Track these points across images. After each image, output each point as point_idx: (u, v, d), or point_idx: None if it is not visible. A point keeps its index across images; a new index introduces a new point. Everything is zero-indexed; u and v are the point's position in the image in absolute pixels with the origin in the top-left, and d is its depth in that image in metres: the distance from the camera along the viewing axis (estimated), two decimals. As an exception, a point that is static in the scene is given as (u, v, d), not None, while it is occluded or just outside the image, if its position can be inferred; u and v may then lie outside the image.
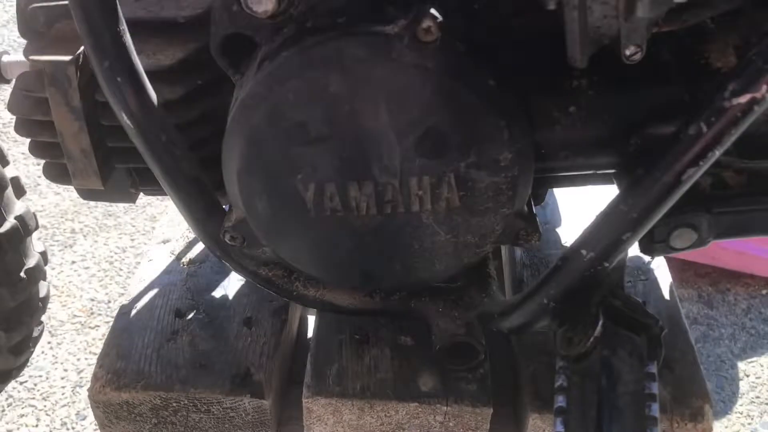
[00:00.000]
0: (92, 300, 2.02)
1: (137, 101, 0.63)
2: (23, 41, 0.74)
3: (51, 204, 2.27)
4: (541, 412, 0.74)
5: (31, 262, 0.93)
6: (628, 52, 0.60)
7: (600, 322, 0.62)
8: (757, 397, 1.82)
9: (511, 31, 0.63)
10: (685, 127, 0.56)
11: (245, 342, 0.82)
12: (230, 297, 0.88)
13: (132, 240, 2.15)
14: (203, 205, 0.70)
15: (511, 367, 0.85)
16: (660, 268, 0.93)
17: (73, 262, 2.11)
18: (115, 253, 2.14)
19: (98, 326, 1.92)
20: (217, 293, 0.88)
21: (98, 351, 1.92)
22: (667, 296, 0.89)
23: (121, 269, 2.07)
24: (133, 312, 0.86)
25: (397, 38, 0.57)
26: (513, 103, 0.62)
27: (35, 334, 1.01)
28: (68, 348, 1.90)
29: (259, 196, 0.65)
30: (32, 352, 1.06)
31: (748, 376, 1.87)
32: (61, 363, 1.85)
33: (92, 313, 1.96)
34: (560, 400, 0.61)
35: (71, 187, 0.78)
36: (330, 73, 0.58)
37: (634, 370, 0.59)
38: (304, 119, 0.60)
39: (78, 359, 1.86)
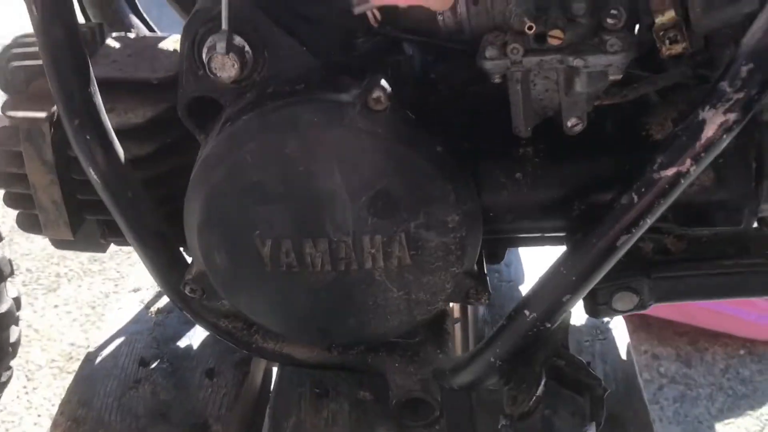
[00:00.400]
0: (72, 344, 2.02)
1: (105, 158, 0.66)
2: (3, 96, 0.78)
3: (38, 248, 2.28)
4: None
5: (3, 308, 0.94)
6: (569, 124, 0.63)
7: (543, 382, 0.64)
8: (734, 461, 1.81)
9: (463, 100, 0.67)
10: (619, 196, 0.59)
11: (206, 393, 0.84)
12: (195, 347, 0.90)
13: (116, 285, 2.16)
14: (166, 258, 0.72)
15: (470, 422, 0.87)
16: (618, 328, 0.95)
17: (56, 306, 2.12)
18: (98, 298, 2.15)
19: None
20: (182, 343, 0.90)
21: (74, 397, 1.91)
22: (624, 356, 0.91)
23: (103, 314, 2.08)
24: (98, 359, 0.88)
25: (350, 106, 0.60)
26: (460, 168, 0.65)
27: (3, 379, 1.03)
28: (44, 393, 1.90)
29: (218, 250, 0.68)
30: (0, 397, 1.06)
31: (724, 438, 1.87)
32: (35, 408, 1.85)
33: (71, 358, 1.96)
34: (500, 459, 0.62)
35: None
36: (286, 136, 0.61)
37: (575, 430, 0.61)
38: (261, 179, 0.63)
39: (53, 405, 1.85)
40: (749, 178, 0.65)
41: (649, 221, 0.59)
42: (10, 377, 1.04)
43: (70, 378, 2.00)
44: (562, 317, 0.65)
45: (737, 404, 1.97)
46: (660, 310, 2.05)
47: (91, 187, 0.73)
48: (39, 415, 1.83)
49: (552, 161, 0.68)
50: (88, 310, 2.14)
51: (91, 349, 0.89)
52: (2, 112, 0.73)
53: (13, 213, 0.93)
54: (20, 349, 2.05)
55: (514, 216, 0.69)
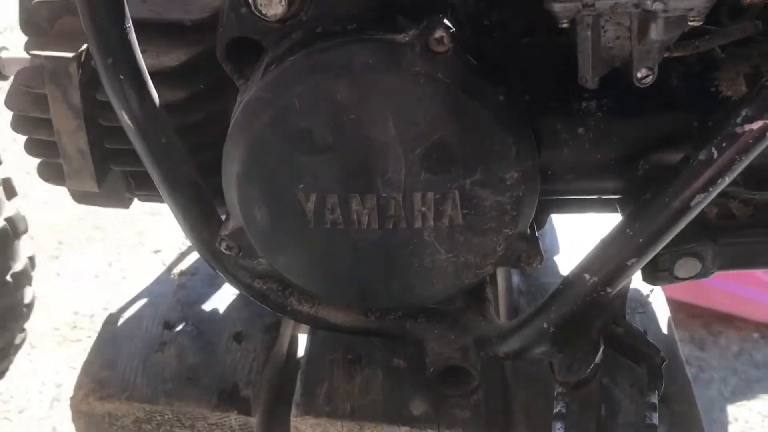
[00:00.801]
0: (75, 313, 1.98)
1: (139, 100, 0.61)
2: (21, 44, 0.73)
3: (40, 216, 2.24)
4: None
5: (18, 267, 0.90)
6: (639, 75, 0.59)
7: (601, 349, 0.60)
8: (747, 442, 1.79)
9: (522, 48, 0.63)
10: (696, 152, 0.55)
11: (234, 357, 0.80)
12: (221, 311, 0.86)
13: (118, 254, 2.12)
14: (200, 212, 0.68)
15: (503, 395, 0.83)
16: (658, 301, 0.92)
17: (59, 275, 2.08)
18: (101, 267, 2.11)
19: (80, 340, 1.88)
20: (208, 306, 0.86)
21: (78, 365, 1.88)
22: (665, 330, 0.88)
23: (105, 283, 2.04)
24: (121, 321, 0.84)
25: (408, 47, 0.56)
26: (522, 121, 0.61)
27: (17, 341, 0.99)
28: (47, 361, 1.86)
29: (258, 204, 0.63)
30: (12, 360, 1.03)
31: (737, 420, 1.85)
32: (39, 376, 1.81)
33: (75, 327, 1.92)
34: (558, 427, 0.59)
35: (61, 200, 0.76)
36: (338, 79, 0.57)
37: (635, 400, 0.57)
38: (309, 127, 0.59)
39: (57, 373, 1.82)
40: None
41: (728, 179, 0.55)
42: (23, 340, 1.00)
43: (75, 346, 1.96)
44: (623, 282, 0.61)
45: (750, 387, 1.95)
46: (674, 291, 2.02)
47: (120, 134, 0.68)
48: (43, 383, 1.80)
49: (617, 116, 0.64)
50: (90, 278, 2.10)
51: (112, 311, 0.85)
52: (25, 52, 0.68)
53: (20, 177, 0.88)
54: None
55: (575, 175, 0.65)
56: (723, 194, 0.65)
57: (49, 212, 2.26)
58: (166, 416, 0.76)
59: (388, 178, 0.61)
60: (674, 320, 2.23)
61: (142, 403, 0.75)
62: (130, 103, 0.61)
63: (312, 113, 0.58)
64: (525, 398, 0.77)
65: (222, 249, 0.68)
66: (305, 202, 0.62)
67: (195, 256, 0.93)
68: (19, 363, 1.81)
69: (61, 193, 2.26)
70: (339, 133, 0.59)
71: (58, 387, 1.80)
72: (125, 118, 0.62)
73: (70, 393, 1.75)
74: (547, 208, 0.77)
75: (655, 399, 0.58)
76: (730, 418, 1.85)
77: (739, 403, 1.90)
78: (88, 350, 0.81)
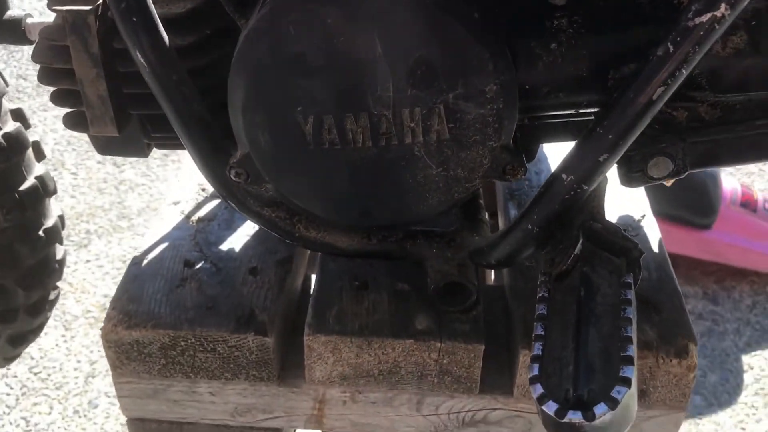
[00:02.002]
0: (105, 296, 2.07)
1: (150, 40, 0.68)
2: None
3: (67, 207, 2.33)
4: (532, 349, 0.78)
5: (49, 222, 0.98)
6: (603, -12, 0.64)
7: (581, 242, 0.66)
8: (762, 389, 1.83)
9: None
10: (654, 50, 0.60)
11: (250, 288, 0.86)
12: (237, 249, 0.92)
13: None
14: (210, 145, 0.74)
15: (503, 312, 0.89)
16: (650, 225, 0.97)
17: (88, 261, 2.17)
18: (128, 253, 2.20)
19: (111, 321, 1.96)
20: (224, 246, 0.93)
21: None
22: (656, 249, 0.93)
23: (134, 268, 2.12)
24: (144, 262, 0.90)
25: (388, -29, 0.62)
26: (497, 37, 0.66)
27: (51, 297, 1.06)
28: (81, 341, 1.95)
29: (261, 130, 0.70)
30: (48, 316, 1.10)
31: (752, 368, 1.89)
32: (75, 355, 1.90)
33: (105, 309, 2.01)
34: (541, 308, 0.64)
35: (85, 191, 0.83)
36: (327, 5, 0.63)
37: (613, 283, 0.62)
38: (303, 51, 0.65)
39: (91, 351, 1.91)
40: (781, 39, 0.66)
41: (685, 72, 0.60)
42: (57, 296, 1.08)
43: (107, 326, 2.03)
44: (599, 180, 0.67)
45: (764, 338, 1.98)
46: (688, 248, 2.06)
47: (136, 80, 0.75)
48: (78, 361, 1.89)
49: (586, 31, 0.69)
50: (119, 263, 2.18)
51: (136, 254, 0.92)
52: (48, 8, 0.75)
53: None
54: (56, 302, 2.11)
55: (550, 88, 0.70)
56: (691, 99, 0.71)
57: (77, 204, 2.36)
58: (190, 341, 0.82)
59: (378, 95, 0.67)
60: (688, 277, 2.27)
61: (167, 330, 0.81)
62: (143, 42, 0.68)
63: (305, 38, 0.65)
64: (522, 312, 0.82)
65: (231, 176, 0.74)
66: (304, 124, 0.69)
67: (212, 204, 0.99)
68: (55, 344, 1.91)
69: (87, 185, 2.38)
70: (330, 56, 0.65)
71: (92, 365, 1.88)
72: (139, 57, 0.69)
73: (104, 369, 1.82)
74: (534, 135, 0.82)
75: (630, 279, 0.63)
76: (745, 366, 1.88)
77: (753, 353, 1.93)
78: (115, 288, 0.88)
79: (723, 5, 0.57)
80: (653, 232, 0.96)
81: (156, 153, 2.59)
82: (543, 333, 0.61)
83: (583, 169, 0.66)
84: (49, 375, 1.84)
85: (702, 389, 1.80)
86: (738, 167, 2.56)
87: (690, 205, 1.99)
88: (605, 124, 0.64)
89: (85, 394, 1.79)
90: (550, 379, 0.57)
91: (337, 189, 0.73)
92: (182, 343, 0.82)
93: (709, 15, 0.57)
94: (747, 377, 1.84)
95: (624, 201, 1.00)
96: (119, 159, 2.54)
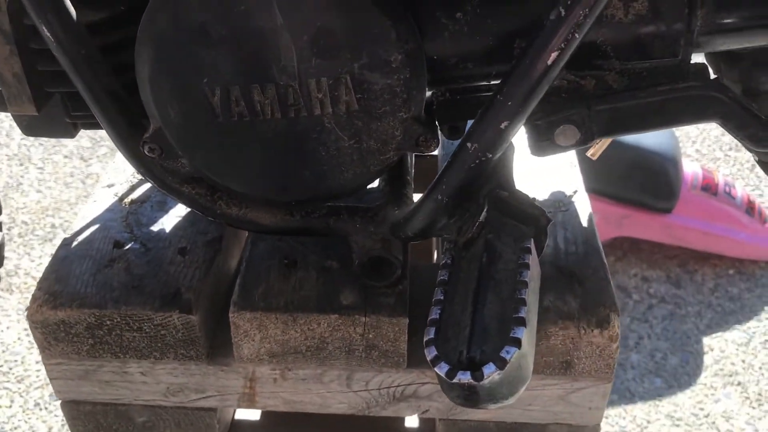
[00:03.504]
0: (70, 290, 2.05)
1: (56, 15, 0.68)
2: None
3: (32, 201, 2.32)
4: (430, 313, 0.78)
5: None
6: (504, -44, 0.65)
7: (485, 209, 0.66)
8: (721, 370, 1.84)
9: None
10: (547, 15, 0.61)
11: (178, 267, 0.86)
12: (167, 230, 0.92)
13: (110, 234, 2.19)
14: (124, 120, 0.74)
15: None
16: (580, 201, 0.97)
17: (52, 255, 2.15)
18: (94, 247, 2.19)
19: (74, 314, 1.96)
20: (156, 227, 0.93)
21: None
22: (585, 224, 0.93)
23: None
24: (74, 244, 0.90)
25: (284, -60, 0.62)
26: (400, 6, 0.67)
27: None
28: (44, 335, 1.93)
29: (170, 102, 0.70)
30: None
31: (712, 350, 1.90)
32: (36, 348, 1.89)
33: (69, 302, 2.00)
34: (443, 274, 0.65)
35: (51, 185, 0.83)
36: (226, -26, 0.63)
37: (516, 250, 0.63)
38: (205, 20, 0.65)
39: (53, 345, 1.89)
40: (682, 6, 0.67)
41: (578, 36, 0.60)
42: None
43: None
44: (503, 147, 0.67)
45: (725, 320, 1.99)
46: (649, 232, 2.07)
47: (51, 57, 0.75)
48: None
49: (492, 1, 0.69)
50: (84, 257, 2.16)
51: (66, 236, 0.92)
52: (-42, -14, 0.75)
53: (11, 170, 0.94)
54: (20, 296, 2.09)
55: (458, 59, 0.71)
56: (599, 67, 0.71)
57: (43, 198, 2.35)
58: (115, 320, 0.82)
59: (283, 66, 0.67)
60: (651, 261, 2.27)
61: (92, 309, 0.81)
62: (48, 17, 0.68)
63: (206, 7, 0.65)
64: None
65: (145, 152, 0.74)
66: (211, 96, 0.69)
67: (144, 187, 0.99)
68: (17, 337, 1.90)
69: (53, 179, 2.36)
70: (232, 25, 0.65)
71: (54, 358, 1.86)
72: (46, 32, 0.68)
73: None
74: (456, 111, 0.83)
75: (530, 244, 0.64)
76: (706, 348, 1.90)
77: (714, 335, 1.95)
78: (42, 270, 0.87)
79: (610, -32, 0.57)
80: (584, 208, 0.96)
81: (123, 147, 2.58)
82: (442, 298, 0.61)
83: (487, 137, 0.66)
84: (10, 368, 1.83)
85: (662, 371, 1.81)
86: (703, 153, 2.57)
87: (651, 188, 2.00)
88: (505, 92, 0.64)
89: (46, 386, 1.78)
90: (447, 342, 0.58)
91: (252, 163, 0.74)
92: (108, 323, 0.82)
93: (597, -22, 0.58)
94: (707, 359, 1.85)
95: (557, 179, 1.00)
96: (86, 153, 2.53)
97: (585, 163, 1.05)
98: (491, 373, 0.53)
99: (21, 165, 2.44)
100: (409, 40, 0.67)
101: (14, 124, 2.63)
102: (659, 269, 2.10)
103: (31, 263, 2.11)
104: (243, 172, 0.74)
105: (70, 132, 0.88)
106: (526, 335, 0.56)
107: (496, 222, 0.66)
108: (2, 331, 1.90)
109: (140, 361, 0.86)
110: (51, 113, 0.83)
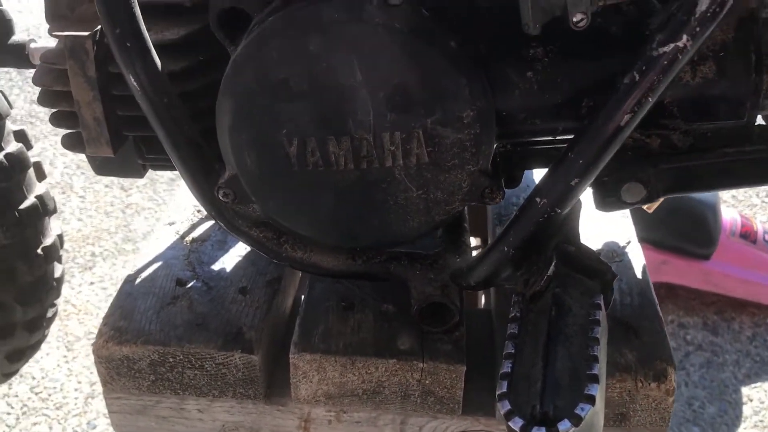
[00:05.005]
0: (109, 318, 2.08)
1: (143, 64, 0.71)
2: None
3: (73, 229, 2.37)
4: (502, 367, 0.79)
5: (48, 241, 1.01)
6: (575, 19, 0.67)
7: (554, 263, 0.67)
8: (761, 421, 1.82)
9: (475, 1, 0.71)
10: (621, 78, 0.63)
11: (239, 306, 0.89)
12: (228, 270, 0.94)
13: (149, 264, 2.23)
14: (201, 166, 0.77)
15: (488, 334, 0.90)
16: (634, 252, 0.98)
17: (92, 283, 2.20)
18: (133, 276, 2.22)
19: (113, 342, 1.98)
20: (216, 266, 0.95)
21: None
22: (639, 275, 0.94)
23: (137, 290, 2.14)
24: (138, 281, 0.93)
25: (368, 1, 0.65)
26: (474, 65, 0.69)
27: (49, 314, 1.08)
28: (83, 362, 1.97)
29: (248, 151, 0.72)
30: (46, 334, 1.12)
31: (751, 400, 1.88)
32: (75, 375, 1.92)
33: (108, 331, 2.03)
34: (513, 327, 0.66)
35: (92, 214, 0.86)
36: (309, 32, 0.66)
37: (584, 304, 0.64)
38: (287, 76, 0.68)
39: (91, 372, 1.93)
40: (749, 70, 0.69)
41: (651, 99, 0.62)
42: (55, 314, 1.10)
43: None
44: (572, 203, 0.69)
45: (764, 369, 1.97)
46: (687, 278, 2.06)
47: (131, 102, 0.78)
48: (79, 382, 1.91)
49: (561, 61, 0.71)
50: (123, 286, 2.20)
51: (130, 272, 0.94)
52: (49, 33, 0.79)
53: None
54: (59, 323, 2.13)
55: (526, 115, 0.73)
56: (664, 126, 0.73)
57: (83, 226, 2.40)
58: (178, 357, 0.84)
59: (359, 120, 0.69)
60: (688, 308, 2.26)
61: (156, 346, 0.84)
62: (136, 66, 0.71)
63: (289, 64, 0.68)
64: (505, 333, 0.84)
65: (219, 196, 0.77)
66: (288, 147, 0.71)
67: (206, 225, 1.02)
68: (57, 364, 1.93)
69: (94, 208, 2.42)
70: (313, 81, 0.68)
71: (92, 386, 1.90)
72: (132, 81, 0.72)
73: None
74: (515, 162, 0.85)
75: (600, 300, 0.65)
76: (744, 398, 1.88)
77: (753, 385, 1.92)
78: (108, 306, 0.90)
79: (685, 36, 0.59)
80: (637, 259, 0.97)
81: (162, 178, 2.63)
82: (513, 351, 0.63)
83: (556, 192, 0.68)
84: (49, 395, 1.86)
85: (700, 420, 1.79)
86: (740, 200, 2.57)
87: (690, 235, 2.00)
88: (576, 150, 0.66)
89: (84, 414, 1.81)
90: (519, 396, 0.59)
91: (322, 210, 0.76)
92: (171, 360, 0.84)
93: (672, 45, 0.60)
94: (746, 409, 1.83)
95: (610, 228, 1.01)
96: (127, 183, 2.59)
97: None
98: (566, 430, 0.54)
99: (63, 193, 2.50)
100: (481, 97, 0.69)
101: (57, 153, 2.69)
102: (696, 316, 2.08)
103: (71, 291, 2.15)
104: (313, 218, 0.77)
105: (140, 172, 0.91)
106: (599, 392, 0.57)
107: (563, 276, 0.67)
108: (42, 357, 1.93)
109: (198, 399, 0.88)
110: (123, 154, 0.87)
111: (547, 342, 0.62)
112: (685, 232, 2.00)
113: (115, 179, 2.61)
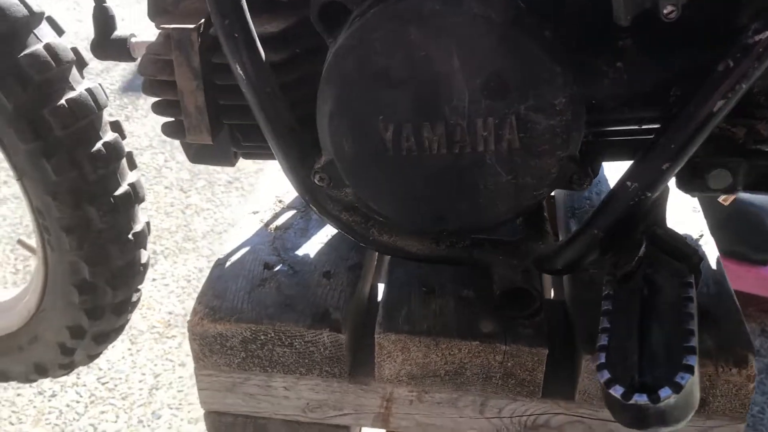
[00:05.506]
0: (170, 313, 2.16)
1: (249, 55, 0.76)
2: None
3: (136, 227, 2.43)
4: (593, 354, 0.81)
5: (137, 227, 1.05)
6: (665, 11, 0.69)
7: (644, 245, 0.70)
8: (822, 427, 1.79)
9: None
10: (715, 65, 0.65)
11: (325, 289, 0.92)
12: (311, 255, 0.98)
13: (209, 262, 2.29)
14: (298, 152, 0.81)
15: (564, 321, 0.93)
16: (708, 243, 1.00)
17: (154, 279, 2.27)
18: (192, 273, 2.29)
19: (174, 336, 2.05)
20: (300, 252, 0.99)
21: (175, 359, 2.05)
22: (714, 266, 0.95)
23: (197, 287, 2.21)
24: (227, 264, 0.97)
25: (467, -8, 0.69)
26: (566, 54, 0.72)
27: (134, 299, 1.13)
28: (146, 355, 2.03)
29: (345, 137, 0.76)
30: (129, 318, 1.17)
31: (811, 405, 1.85)
32: (140, 368, 1.98)
33: (169, 325, 2.09)
34: (606, 305, 0.68)
35: (153, 214, 0.91)
36: (410, 24, 0.70)
37: (674, 284, 0.66)
38: (387, 66, 0.72)
39: (155, 365, 1.99)
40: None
41: (745, 86, 0.64)
42: (139, 298, 1.15)
43: (170, 342, 2.12)
44: (662, 187, 0.71)
45: (824, 375, 1.94)
46: (744, 284, 2.04)
47: (231, 92, 0.83)
48: (143, 374, 1.97)
49: (650, 51, 0.74)
50: (183, 282, 2.27)
51: (219, 257, 0.99)
52: (156, 26, 0.84)
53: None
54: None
55: (615, 104, 0.75)
56: (750, 116, 0.75)
57: (145, 225, 2.46)
58: (269, 335, 0.88)
59: (454, 106, 0.73)
60: (744, 312, 2.25)
61: (249, 324, 0.88)
62: (243, 57, 0.76)
63: (389, 54, 0.71)
64: (585, 319, 0.86)
65: (315, 181, 0.80)
66: (384, 132, 0.75)
67: (287, 215, 1.06)
68: (121, 356, 1.99)
69: (155, 208, 2.51)
70: (411, 70, 0.72)
71: (156, 377, 1.96)
72: (238, 71, 0.76)
73: (167, 382, 1.91)
74: (598, 151, 0.87)
75: (691, 279, 0.67)
76: (804, 403, 1.85)
77: (813, 391, 1.90)
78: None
79: (781, 23, 0.61)
80: (711, 250, 0.99)
81: (220, 181, 2.70)
82: (609, 326, 0.65)
83: (647, 176, 0.70)
84: (115, 385, 1.92)
85: (760, 425, 1.78)
86: (797, 205, 2.53)
87: (747, 239, 1.99)
88: (668, 135, 0.68)
89: (149, 405, 1.86)
90: (616, 367, 0.61)
91: (413, 194, 0.79)
92: (262, 337, 0.88)
93: (767, 33, 0.62)
94: (806, 414, 1.81)
95: (683, 220, 1.03)
96: (186, 185, 2.66)
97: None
98: (667, 396, 0.56)
99: (125, 193, 2.57)
100: (573, 85, 0.72)
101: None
102: (754, 322, 2.06)
103: (135, 286, 2.21)
104: (404, 202, 0.80)
105: (232, 161, 0.95)
106: (696, 364, 0.59)
107: (653, 257, 0.69)
108: (108, 349, 2.00)
109: (285, 377, 0.91)
110: (218, 143, 0.91)
111: (641, 318, 0.64)
112: (742, 237, 1.99)
113: (174, 181, 2.69)
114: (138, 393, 1.89)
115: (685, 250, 0.71)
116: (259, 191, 1.12)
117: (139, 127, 3.04)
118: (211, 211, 2.55)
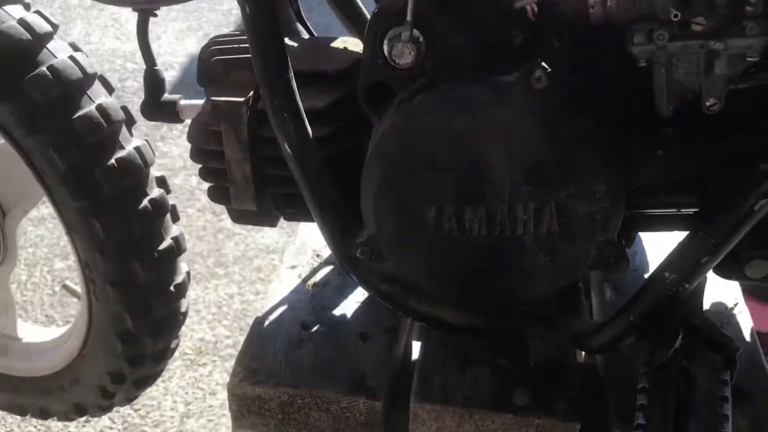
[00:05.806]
0: (201, 340, 2.19)
1: (297, 134, 0.78)
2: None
3: (170, 252, 2.47)
4: (625, 430, 0.82)
5: (179, 279, 1.08)
6: (708, 104, 0.71)
7: (680, 336, 0.71)
8: None
9: (609, 82, 0.75)
10: (756, 165, 0.66)
11: (361, 353, 0.94)
12: (348, 315, 1.00)
13: (239, 288, 2.32)
14: (341, 225, 0.83)
15: (599, 391, 0.93)
16: (742, 313, 1.00)
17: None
18: (223, 299, 2.32)
19: (206, 364, 2.08)
20: (337, 311, 1.01)
21: (206, 387, 2.07)
22: (748, 338, 0.96)
23: (228, 314, 2.24)
24: (266, 323, 1.00)
25: (513, 86, 0.70)
26: (608, 144, 0.73)
27: (173, 345, 1.16)
28: (178, 382, 2.06)
29: (389, 214, 0.78)
30: (167, 364, 1.20)
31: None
32: (171, 395, 2.01)
33: (200, 352, 2.12)
34: (642, 398, 0.69)
35: (185, 238, 0.94)
36: (457, 112, 0.71)
37: (711, 378, 0.67)
38: (432, 150, 0.73)
39: (186, 393, 2.02)
40: None
41: (787, 187, 0.65)
42: (177, 345, 1.18)
43: (201, 370, 2.15)
44: (699, 279, 0.72)
45: None
46: (764, 324, 2.02)
47: (276, 163, 0.85)
48: (175, 401, 2.00)
49: (691, 140, 0.75)
50: (214, 309, 2.31)
51: (259, 315, 1.01)
52: (206, 98, 0.86)
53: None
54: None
55: (654, 190, 0.76)
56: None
57: (178, 250, 2.49)
58: (306, 400, 0.90)
59: (496, 191, 0.74)
60: (765, 353, 2.21)
61: (287, 388, 0.90)
62: (291, 136, 0.78)
63: (435, 139, 0.73)
64: (617, 393, 0.87)
65: (357, 254, 0.82)
66: (427, 212, 0.77)
67: (324, 270, 1.08)
68: (154, 383, 2.02)
69: (187, 232, 2.52)
70: (456, 155, 0.73)
71: (187, 405, 1.99)
72: (286, 147, 0.78)
73: (198, 411, 1.93)
74: (634, 225, 0.88)
75: (727, 376, 0.68)
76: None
77: None
78: (240, 346, 0.97)
79: (825, 130, 0.62)
80: (745, 320, 0.99)
81: (252, 205, 2.73)
82: (644, 423, 0.66)
83: (686, 269, 0.71)
84: (147, 413, 1.95)
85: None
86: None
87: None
88: (708, 229, 0.69)
89: (179, 434, 1.89)
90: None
91: (453, 271, 0.81)
92: (299, 402, 0.90)
93: (813, 138, 0.63)
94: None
95: (716, 287, 1.03)
96: (219, 209, 2.70)
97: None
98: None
99: (159, 216, 2.61)
100: (613, 174, 0.73)
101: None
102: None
103: (167, 312, 2.25)
104: (443, 278, 0.82)
105: (273, 222, 0.98)
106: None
107: (688, 348, 0.70)
108: (140, 375, 2.03)
109: (320, 439, 0.93)
110: (261, 205, 0.93)
111: (677, 414, 0.65)
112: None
113: (207, 204, 2.72)
114: (170, 421, 1.92)
115: (721, 340, 0.71)
116: (296, 245, 1.14)
117: (174, 148, 3.09)
118: (243, 235, 2.58)
